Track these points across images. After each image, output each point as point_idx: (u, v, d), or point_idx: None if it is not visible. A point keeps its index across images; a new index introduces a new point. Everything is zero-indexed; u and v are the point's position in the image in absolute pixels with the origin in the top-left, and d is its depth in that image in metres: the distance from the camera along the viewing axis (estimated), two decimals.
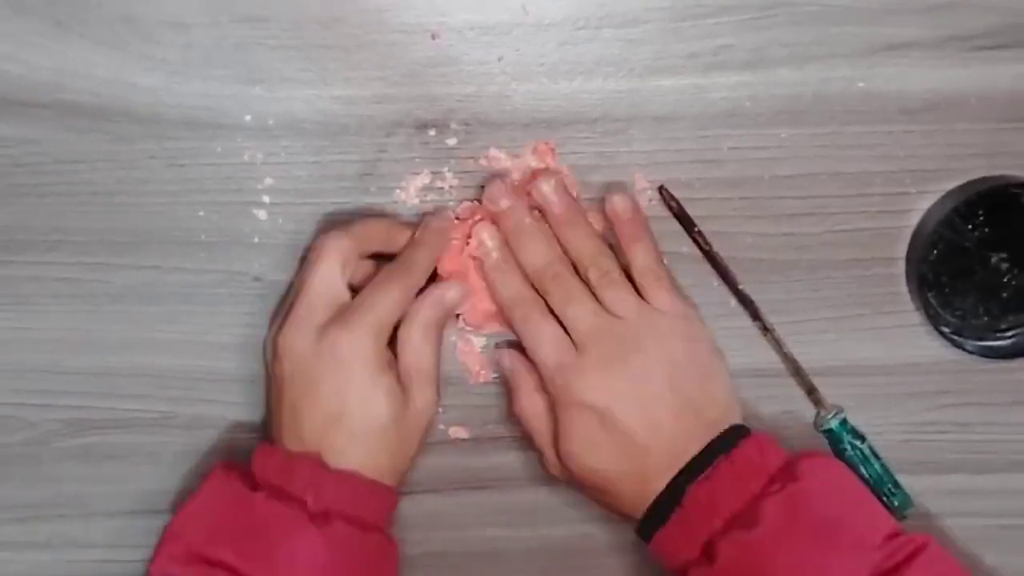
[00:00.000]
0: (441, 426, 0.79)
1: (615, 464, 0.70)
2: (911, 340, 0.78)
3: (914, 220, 0.76)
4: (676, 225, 0.76)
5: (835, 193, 0.76)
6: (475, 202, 0.76)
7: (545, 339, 0.71)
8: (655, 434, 0.69)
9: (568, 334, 0.72)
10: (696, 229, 0.76)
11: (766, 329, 0.77)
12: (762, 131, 0.75)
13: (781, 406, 0.78)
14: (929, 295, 0.76)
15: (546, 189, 0.73)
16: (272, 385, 0.73)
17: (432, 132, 0.75)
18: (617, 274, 0.72)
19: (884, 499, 0.77)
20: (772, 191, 0.76)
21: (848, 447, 0.77)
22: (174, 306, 0.77)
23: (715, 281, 0.77)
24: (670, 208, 0.76)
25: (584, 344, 0.71)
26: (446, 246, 0.75)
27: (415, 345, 0.72)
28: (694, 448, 0.69)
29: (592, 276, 0.72)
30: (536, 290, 0.73)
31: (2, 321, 0.77)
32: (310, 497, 0.68)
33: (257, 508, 0.68)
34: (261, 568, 0.67)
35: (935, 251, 0.75)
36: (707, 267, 0.77)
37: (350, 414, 0.69)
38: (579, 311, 0.71)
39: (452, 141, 0.75)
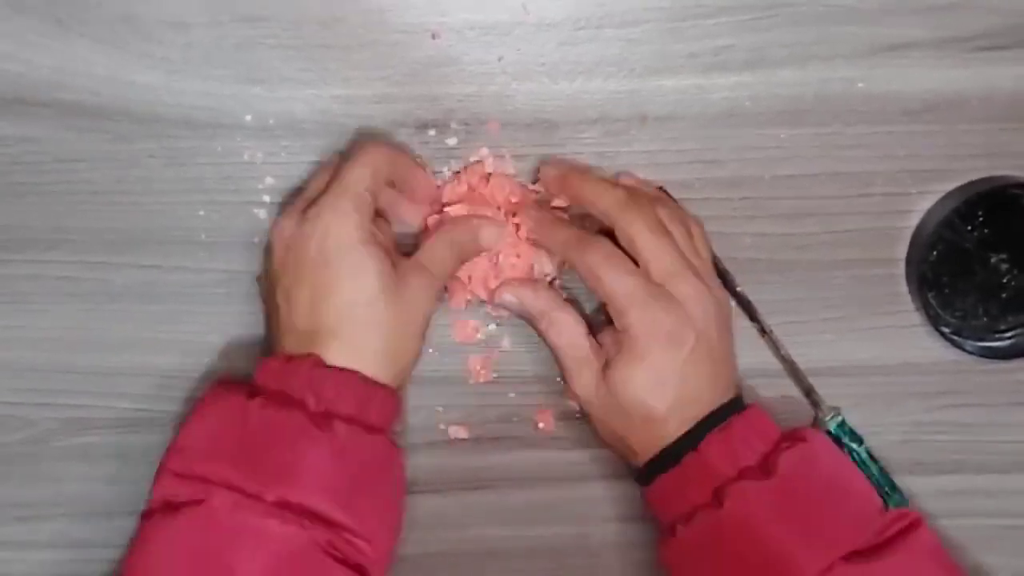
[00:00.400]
0: (441, 426, 0.79)
1: (666, 402, 0.70)
2: (911, 340, 0.78)
3: (914, 221, 0.77)
4: None
5: (835, 193, 0.76)
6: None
7: (625, 267, 0.70)
8: (714, 375, 0.71)
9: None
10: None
11: (764, 331, 0.77)
12: (762, 131, 0.75)
13: (780, 407, 0.78)
14: (929, 295, 0.76)
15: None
16: (270, 289, 0.72)
17: (432, 132, 0.75)
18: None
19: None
20: (772, 191, 0.76)
21: (846, 448, 0.77)
22: (174, 305, 0.77)
23: None
24: None
25: (670, 277, 0.70)
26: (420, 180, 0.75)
27: (433, 251, 0.72)
28: (713, 403, 0.70)
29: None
30: None
31: (2, 320, 0.78)
32: (311, 398, 0.67)
33: (253, 416, 0.67)
34: (261, 479, 0.65)
35: (935, 251, 0.76)
36: None
37: (338, 283, 0.68)
38: (663, 241, 0.70)
39: (452, 141, 0.76)
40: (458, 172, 0.76)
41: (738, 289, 0.77)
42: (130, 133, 0.75)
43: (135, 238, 0.76)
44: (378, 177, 0.70)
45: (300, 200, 0.72)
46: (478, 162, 0.76)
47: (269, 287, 0.72)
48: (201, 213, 0.76)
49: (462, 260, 0.74)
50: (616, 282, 0.70)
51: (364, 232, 0.69)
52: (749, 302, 0.77)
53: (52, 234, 0.76)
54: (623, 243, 0.71)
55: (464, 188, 0.76)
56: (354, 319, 0.68)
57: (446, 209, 0.75)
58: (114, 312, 0.77)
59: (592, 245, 0.71)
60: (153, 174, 0.75)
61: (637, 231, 0.70)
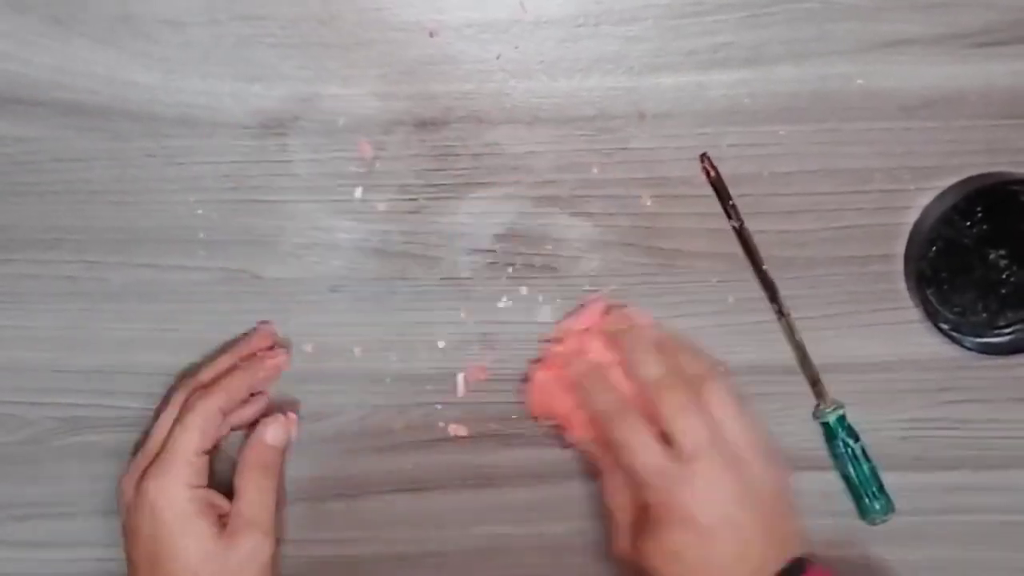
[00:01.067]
0: (440, 424, 0.79)
1: (693, 572, 0.69)
2: (910, 337, 0.78)
3: (913, 217, 0.77)
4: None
5: (833, 190, 0.76)
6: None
7: (647, 444, 0.70)
8: (742, 555, 0.69)
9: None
10: (731, 202, 0.76)
11: (782, 313, 0.78)
12: (761, 128, 0.75)
13: (782, 403, 0.79)
14: (928, 292, 0.77)
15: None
16: (123, 538, 0.74)
17: (431, 130, 0.75)
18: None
19: (866, 501, 0.79)
20: (770, 188, 0.76)
21: (840, 443, 0.78)
22: (173, 304, 0.78)
23: (714, 278, 0.78)
24: (707, 176, 0.76)
25: (695, 455, 0.69)
26: (260, 377, 0.77)
27: (246, 496, 0.73)
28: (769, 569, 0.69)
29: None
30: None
31: (0, 319, 0.78)
32: None
33: None
34: None
35: (934, 248, 0.76)
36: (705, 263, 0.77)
37: (162, 562, 0.71)
38: (694, 421, 0.69)
39: (451, 139, 0.76)
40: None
41: (764, 267, 0.77)
42: (128, 132, 0.75)
43: (133, 237, 0.77)
44: (207, 435, 0.73)
45: (141, 456, 0.74)
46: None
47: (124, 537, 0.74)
48: (199, 212, 0.76)
49: (275, 470, 0.75)
50: (638, 458, 0.70)
51: (191, 506, 0.71)
52: (772, 283, 0.77)
53: (50, 234, 0.77)
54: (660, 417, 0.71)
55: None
56: None
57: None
58: (113, 311, 0.78)
59: (625, 418, 0.71)
60: (151, 173, 0.76)
61: (669, 411, 0.70)
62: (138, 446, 0.75)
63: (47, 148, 0.75)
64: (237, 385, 0.75)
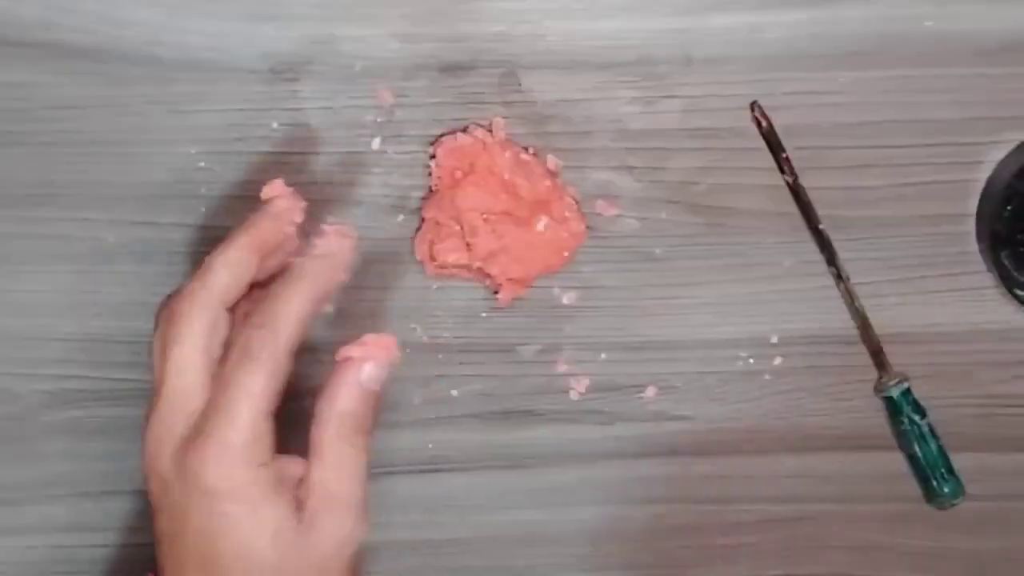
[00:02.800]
0: (455, 392, 0.77)
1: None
2: (982, 304, 0.77)
3: (986, 173, 0.75)
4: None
5: (900, 143, 0.75)
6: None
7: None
8: None
9: None
10: (784, 155, 0.74)
11: (841, 276, 0.76)
12: (822, 75, 0.74)
13: (841, 376, 0.77)
14: (1002, 254, 0.75)
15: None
16: (151, 508, 0.62)
17: (457, 75, 0.74)
18: None
19: (933, 483, 0.77)
20: (830, 141, 0.75)
21: (906, 420, 0.76)
22: (172, 266, 0.75)
23: (768, 240, 0.76)
24: (759, 127, 0.74)
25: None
26: (323, 289, 0.62)
27: (330, 458, 0.60)
28: None
29: None
30: None
31: None
32: None
33: None
34: None
35: (1009, 207, 0.74)
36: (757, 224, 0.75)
37: (224, 560, 0.59)
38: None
39: (479, 85, 0.74)
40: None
41: (820, 227, 0.75)
42: (126, 77, 0.73)
43: (130, 192, 0.75)
44: (274, 387, 0.59)
45: (171, 413, 0.60)
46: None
47: (150, 504, 0.62)
48: (202, 164, 0.74)
49: (368, 426, 0.62)
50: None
51: (257, 486, 0.58)
52: (830, 243, 0.75)
53: (40, 188, 0.74)
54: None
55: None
56: None
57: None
58: (107, 273, 0.76)
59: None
60: (151, 122, 0.74)
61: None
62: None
63: (37, 94, 0.73)
64: (297, 321, 0.60)
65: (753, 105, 0.74)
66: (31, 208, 0.75)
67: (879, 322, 0.76)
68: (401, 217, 0.75)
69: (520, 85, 0.73)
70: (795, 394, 0.76)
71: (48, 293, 0.76)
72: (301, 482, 0.60)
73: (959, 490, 0.77)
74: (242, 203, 0.74)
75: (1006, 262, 0.75)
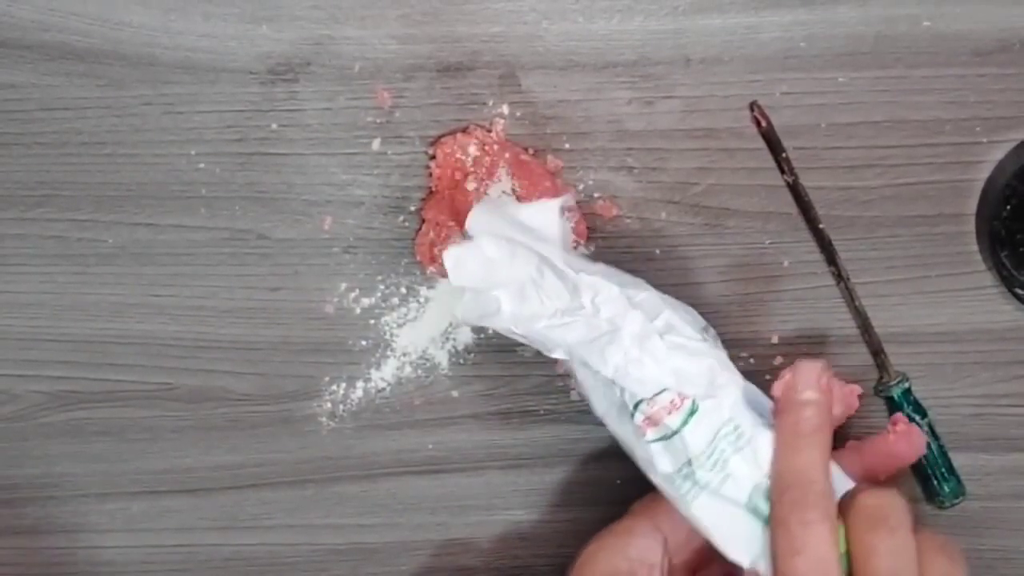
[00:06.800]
0: (455, 393, 0.79)
1: None
2: (982, 304, 0.78)
3: (986, 172, 0.76)
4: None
5: (899, 143, 0.75)
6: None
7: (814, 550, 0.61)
8: None
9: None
10: (784, 155, 0.75)
11: (841, 276, 0.77)
12: (819, 75, 0.74)
13: (842, 376, 0.78)
14: (1002, 254, 0.75)
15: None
16: None
17: (455, 76, 0.75)
18: None
19: (934, 483, 0.78)
20: (829, 141, 0.75)
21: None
22: (172, 267, 0.77)
23: (767, 240, 0.77)
24: (758, 127, 0.75)
25: None
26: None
27: None
28: None
29: None
30: None
31: None
32: None
33: None
34: None
35: (1008, 206, 0.75)
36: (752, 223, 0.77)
37: None
38: (898, 539, 0.61)
39: (477, 86, 0.75)
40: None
41: (820, 227, 0.76)
42: (123, 78, 0.74)
43: (129, 194, 0.76)
44: None
45: None
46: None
47: None
48: (201, 166, 0.76)
49: None
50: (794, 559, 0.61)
51: None
52: (830, 243, 0.76)
53: (38, 190, 0.76)
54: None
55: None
56: None
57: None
58: (106, 275, 0.77)
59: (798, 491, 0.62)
60: (149, 123, 0.75)
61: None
62: None
63: (34, 96, 0.74)
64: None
65: (752, 105, 0.74)
66: (28, 209, 0.76)
67: (879, 322, 0.77)
68: (401, 217, 0.76)
69: (520, 86, 0.74)
70: None
71: (46, 294, 0.77)
72: None
73: (959, 490, 0.78)
74: (242, 204, 0.76)
75: (1006, 262, 0.75)
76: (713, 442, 0.65)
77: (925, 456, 0.77)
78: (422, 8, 0.73)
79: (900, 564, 0.60)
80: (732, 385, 0.66)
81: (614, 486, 0.80)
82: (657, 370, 0.65)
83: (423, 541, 0.81)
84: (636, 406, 0.66)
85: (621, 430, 0.68)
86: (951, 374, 0.78)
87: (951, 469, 0.78)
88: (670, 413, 0.65)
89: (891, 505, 0.61)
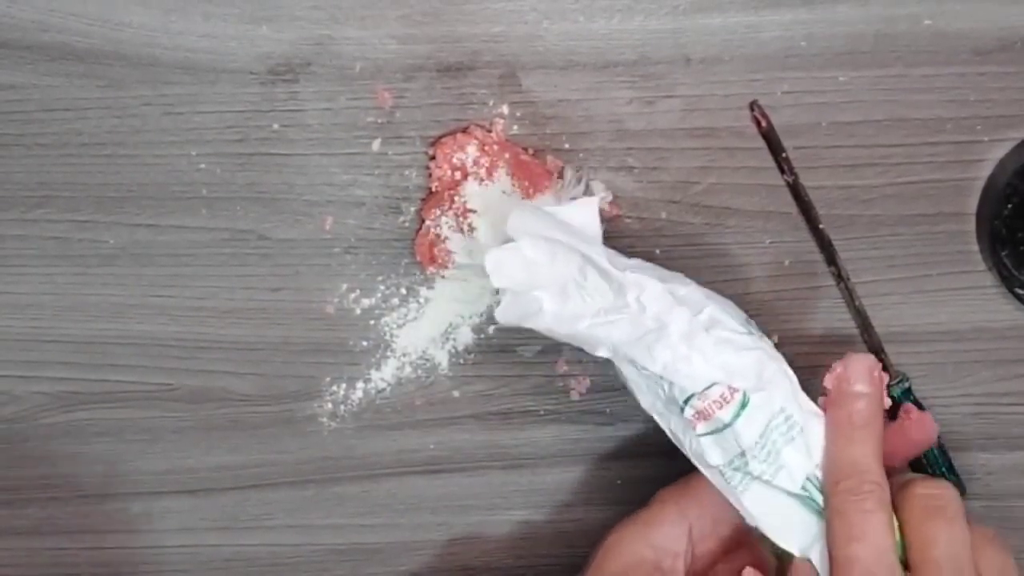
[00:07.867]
0: (455, 393, 0.79)
1: None
2: (983, 303, 0.78)
3: (986, 171, 0.76)
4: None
5: (899, 142, 0.76)
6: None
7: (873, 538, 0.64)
8: None
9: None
10: (784, 154, 0.75)
11: (841, 277, 0.77)
12: (819, 74, 0.75)
13: None
14: (1003, 254, 0.76)
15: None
16: None
17: (456, 76, 0.75)
18: None
19: None
20: (830, 140, 0.76)
21: None
22: (172, 268, 0.77)
23: (767, 239, 0.77)
24: (758, 126, 0.75)
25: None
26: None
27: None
28: None
29: None
30: None
31: None
32: None
33: None
34: None
35: (1009, 205, 0.75)
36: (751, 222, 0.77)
37: None
38: (956, 529, 0.64)
39: (477, 86, 0.75)
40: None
41: (820, 227, 0.76)
42: (123, 79, 0.74)
43: (129, 194, 0.76)
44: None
45: None
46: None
47: None
48: (202, 166, 0.76)
49: None
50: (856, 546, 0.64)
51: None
52: (830, 243, 0.76)
53: (38, 191, 0.76)
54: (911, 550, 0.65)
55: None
56: None
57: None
58: (106, 275, 0.77)
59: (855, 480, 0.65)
60: (149, 124, 0.75)
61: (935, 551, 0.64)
62: None
63: (34, 97, 0.75)
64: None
65: (752, 104, 0.75)
66: (28, 210, 0.76)
67: (879, 322, 0.77)
68: (401, 218, 0.76)
69: (520, 86, 0.75)
70: None
71: (46, 295, 0.77)
72: None
73: (960, 489, 0.75)
74: (243, 205, 0.76)
75: (1007, 261, 0.76)
76: (765, 434, 0.66)
77: (925, 455, 0.77)
78: (422, 8, 0.74)
79: (958, 554, 0.63)
80: (781, 376, 0.67)
81: (615, 486, 0.80)
82: (706, 366, 0.66)
83: (424, 541, 0.81)
84: (686, 401, 0.67)
85: (669, 423, 0.69)
86: (951, 373, 0.79)
87: (951, 468, 0.78)
88: (721, 407, 0.66)
89: (948, 495, 0.65)
